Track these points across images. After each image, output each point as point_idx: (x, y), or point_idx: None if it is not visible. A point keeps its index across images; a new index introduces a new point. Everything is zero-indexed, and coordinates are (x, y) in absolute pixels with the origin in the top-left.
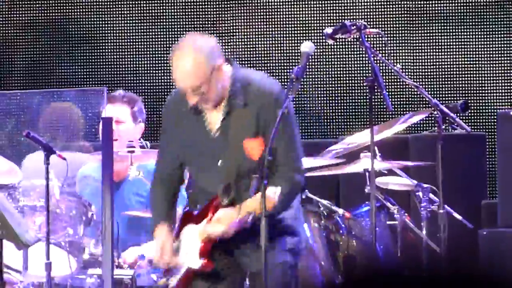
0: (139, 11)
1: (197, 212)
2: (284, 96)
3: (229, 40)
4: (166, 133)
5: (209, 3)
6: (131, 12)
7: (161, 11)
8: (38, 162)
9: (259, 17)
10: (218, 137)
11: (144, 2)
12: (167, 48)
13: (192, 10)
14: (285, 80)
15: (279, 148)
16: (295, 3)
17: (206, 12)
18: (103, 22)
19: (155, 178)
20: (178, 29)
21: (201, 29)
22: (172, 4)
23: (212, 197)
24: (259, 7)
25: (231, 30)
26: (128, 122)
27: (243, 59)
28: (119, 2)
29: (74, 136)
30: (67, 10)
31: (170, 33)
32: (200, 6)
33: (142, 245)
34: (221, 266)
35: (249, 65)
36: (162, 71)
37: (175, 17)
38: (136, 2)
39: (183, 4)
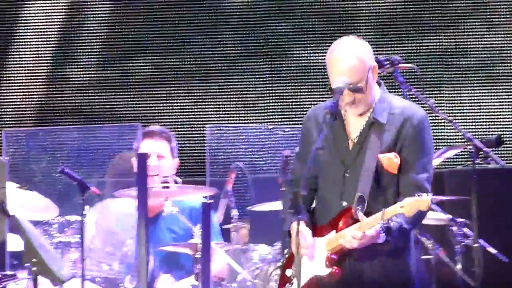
0: (168, 51)
1: (323, 226)
2: (427, 121)
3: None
4: (305, 147)
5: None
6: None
7: (187, 49)
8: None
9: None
10: (354, 146)
11: (175, 40)
12: (198, 84)
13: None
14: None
15: (413, 170)
16: (329, 39)
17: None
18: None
19: (292, 183)
20: (201, 66)
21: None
22: (200, 42)
23: (342, 210)
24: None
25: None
26: (168, 158)
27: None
28: (152, 40)
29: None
30: (99, 46)
31: (195, 68)
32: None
33: (179, 282)
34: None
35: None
36: (192, 107)
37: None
38: (166, 40)
39: (210, 42)
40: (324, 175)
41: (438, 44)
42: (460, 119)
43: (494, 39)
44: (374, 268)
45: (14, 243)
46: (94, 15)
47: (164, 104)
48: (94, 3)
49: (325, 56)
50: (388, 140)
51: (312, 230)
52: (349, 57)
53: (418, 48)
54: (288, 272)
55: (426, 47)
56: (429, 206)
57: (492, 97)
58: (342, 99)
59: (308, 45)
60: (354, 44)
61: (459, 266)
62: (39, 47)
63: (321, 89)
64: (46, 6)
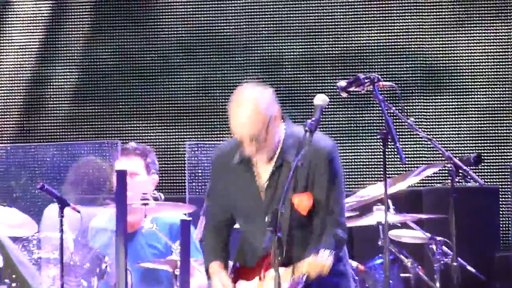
0: (149, 67)
1: (249, 268)
2: (336, 152)
3: None
4: (214, 186)
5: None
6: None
7: (168, 66)
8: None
9: (272, 70)
10: (267, 191)
11: (156, 57)
12: (178, 101)
13: (197, 69)
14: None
15: (326, 203)
16: (310, 57)
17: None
18: (114, 76)
19: (207, 225)
20: (181, 83)
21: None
22: (181, 60)
23: (264, 254)
24: (271, 60)
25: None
26: (142, 175)
27: None
28: (133, 58)
29: (91, 189)
30: (82, 68)
31: (175, 87)
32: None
33: None
34: None
35: None
36: (172, 124)
37: (181, 73)
38: (147, 58)
39: (192, 61)
40: (245, 219)
41: (417, 63)
42: (439, 137)
43: (474, 58)
44: None
45: None
46: (74, 32)
47: (144, 121)
48: (72, 20)
49: (302, 72)
50: (302, 177)
51: (240, 271)
52: (246, 111)
53: (398, 67)
54: None
55: (406, 67)
56: (329, 269)
57: (472, 116)
58: (245, 149)
59: (285, 61)
60: (253, 96)
61: (437, 285)
62: (17, 65)
63: (299, 108)
64: (25, 22)
